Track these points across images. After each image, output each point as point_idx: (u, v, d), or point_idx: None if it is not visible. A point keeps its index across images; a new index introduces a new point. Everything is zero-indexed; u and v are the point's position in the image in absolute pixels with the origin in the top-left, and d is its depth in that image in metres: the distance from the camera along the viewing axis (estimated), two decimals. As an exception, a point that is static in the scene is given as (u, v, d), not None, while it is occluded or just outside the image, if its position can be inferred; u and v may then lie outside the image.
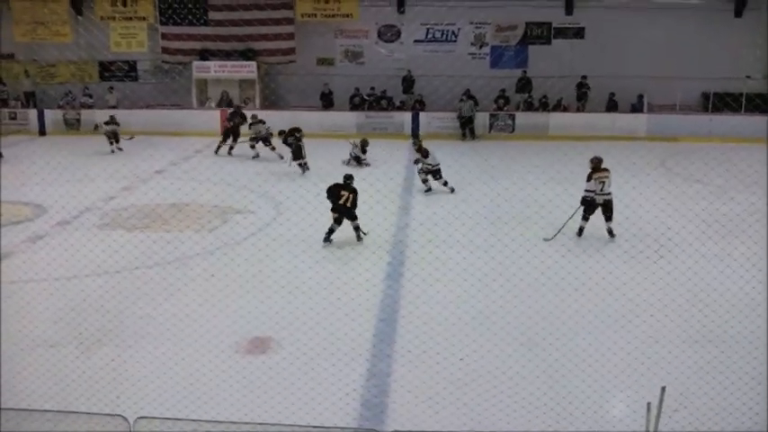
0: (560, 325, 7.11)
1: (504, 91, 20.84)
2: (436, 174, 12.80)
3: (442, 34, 21.70)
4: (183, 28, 20.80)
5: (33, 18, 21.16)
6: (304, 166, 14.53)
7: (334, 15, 21.10)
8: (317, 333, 6.74)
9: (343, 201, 9.53)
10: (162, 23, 21.04)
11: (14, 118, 20.23)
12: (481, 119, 19.96)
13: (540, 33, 21.52)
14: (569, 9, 21.14)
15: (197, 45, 21.15)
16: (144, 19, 21.10)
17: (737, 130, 17.99)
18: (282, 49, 21.18)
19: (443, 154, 13.59)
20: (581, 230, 10.03)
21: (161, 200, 11.96)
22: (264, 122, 16.36)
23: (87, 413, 4.73)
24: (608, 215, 9.89)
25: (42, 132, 20.19)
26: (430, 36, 21.70)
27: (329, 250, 9.45)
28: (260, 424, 5.06)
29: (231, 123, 17.14)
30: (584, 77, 20.58)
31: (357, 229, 9.81)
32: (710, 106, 20.33)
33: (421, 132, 19.99)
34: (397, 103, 21.19)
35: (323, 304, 7.55)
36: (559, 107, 20.69)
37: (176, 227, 10.45)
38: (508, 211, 11.17)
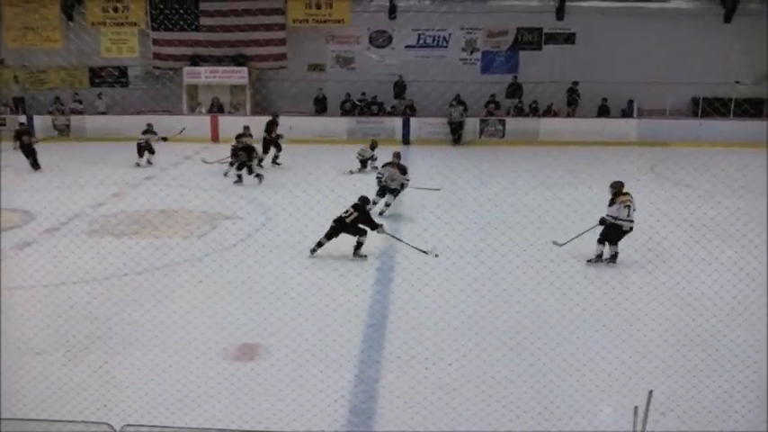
0: (549, 330, 7.14)
1: (494, 96, 20.96)
2: (394, 191, 11.76)
3: (434, 40, 21.79)
4: (174, 33, 20.75)
5: (24, 24, 21.15)
6: (260, 177, 14.12)
7: (325, 21, 21.15)
8: (306, 339, 6.74)
9: (347, 215, 9.41)
10: (153, 29, 21.05)
11: (3, 124, 20.13)
12: (472, 124, 20.06)
13: (530, 39, 21.65)
14: (560, 15, 21.30)
15: (188, 51, 21.12)
16: (135, 24, 21.13)
17: (727, 135, 18.15)
18: (274, 55, 21.17)
19: (434, 159, 13.61)
20: (599, 257, 9.19)
21: (150, 206, 11.93)
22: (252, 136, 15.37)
23: (73, 421, 4.70)
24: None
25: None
26: (421, 42, 21.79)
27: (318, 256, 9.44)
28: (248, 431, 5.06)
29: (271, 136, 16.13)
30: (575, 83, 20.68)
31: (359, 246, 9.40)
32: (700, 111, 20.52)
33: (412, 137, 20.07)
34: (388, 109, 21.22)
35: (312, 310, 7.53)
36: (550, 112, 20.80)
37: (165, 233, 10.42)
38: (498, 216, 11.19)
